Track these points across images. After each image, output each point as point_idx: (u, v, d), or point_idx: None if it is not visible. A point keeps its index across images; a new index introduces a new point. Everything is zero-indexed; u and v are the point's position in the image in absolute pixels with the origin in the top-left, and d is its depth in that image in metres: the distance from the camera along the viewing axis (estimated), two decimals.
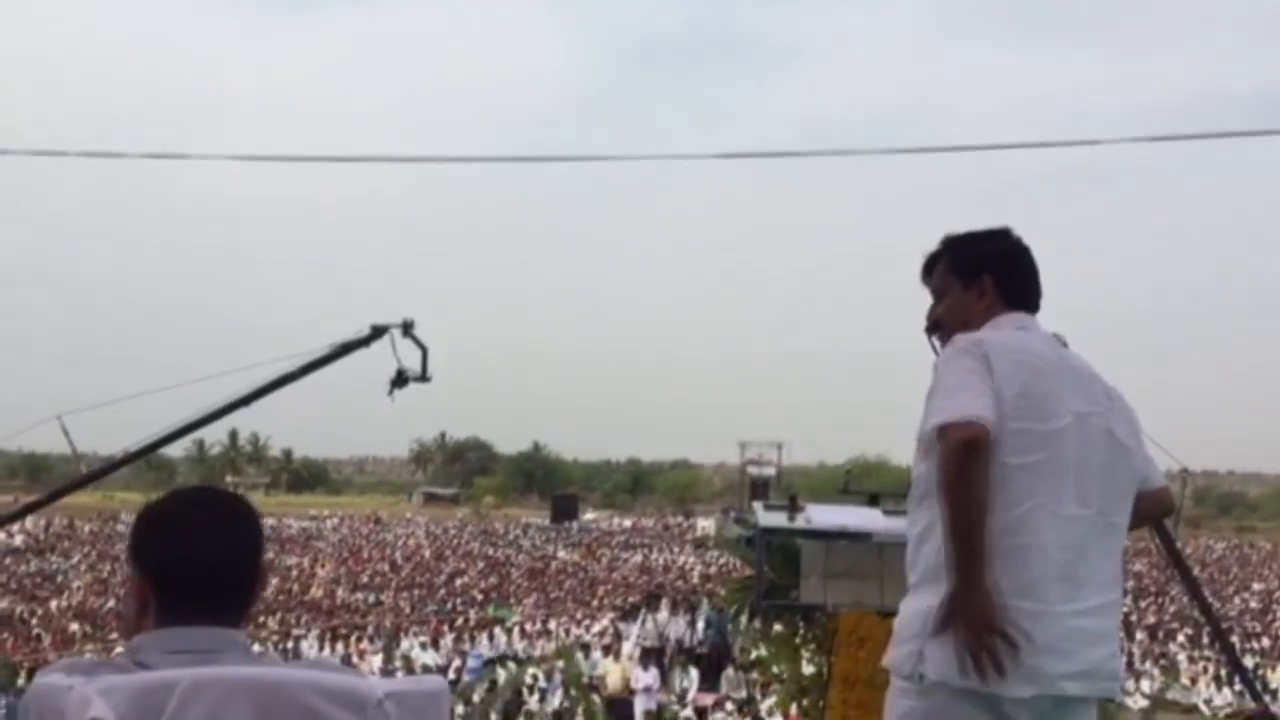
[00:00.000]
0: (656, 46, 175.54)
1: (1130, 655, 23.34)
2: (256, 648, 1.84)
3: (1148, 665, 22.17)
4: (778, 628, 4.01)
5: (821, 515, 3.35)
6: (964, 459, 2.37)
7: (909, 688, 2.48)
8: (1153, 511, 2.87)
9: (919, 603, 2.51)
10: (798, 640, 3.93)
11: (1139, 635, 26.10)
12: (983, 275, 2.72)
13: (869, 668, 2.61)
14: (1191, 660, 22.58)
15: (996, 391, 2.45)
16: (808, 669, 4.04)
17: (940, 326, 2.78)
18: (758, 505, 3.87)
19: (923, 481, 2.55)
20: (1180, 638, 25.60)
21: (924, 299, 2.87)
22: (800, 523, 3.37)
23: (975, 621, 2.36)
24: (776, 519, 3.43)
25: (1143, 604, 32.28)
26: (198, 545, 1.73)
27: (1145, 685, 20.33)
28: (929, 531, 2.50)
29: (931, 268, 2.83)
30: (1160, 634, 26.27)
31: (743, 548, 4.11)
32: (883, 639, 2.68)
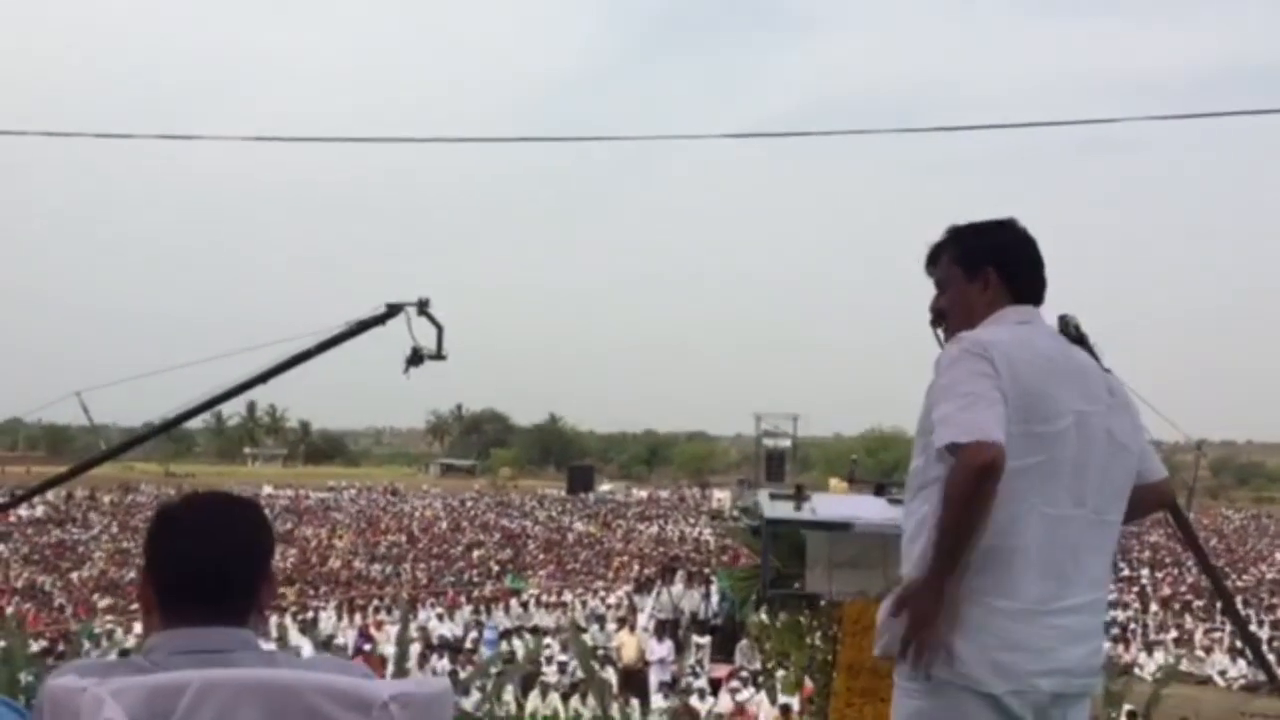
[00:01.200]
0: (675, 16, 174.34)
1: (1145, 626, 23.35)
2: (267, 645, 1.88)
3: (1162, 636, 22.19)
4: (784, 616, 4.06)
5: (826, 506, 3.38)
6: (979, 484, 2.37)
7: (914, 688, 2.51)
8: (1151, 504, 2.87)
9: None
10: (801, 628, 3.97)
11: (1153, 607, 26.11)
12: (987, 267, 2.71)
13: (873, 656, 2.64)
14: (1206, 632, 22.58)
15: (1002, 396, 2.46)
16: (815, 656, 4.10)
17: (944, 318, 2.78)
18: (763, 495, 3.89)
19: (919, 475, 2.57)
20: (1195, 609, 25.59)
21: (930, 284, 2.87)
22: (806, 513, 3.40)
23: (920, 618, 2.43)
24: (782, 510, 3.46)
25: (1159, 575, 32.26)
26: (193, 547, 1.79)
27: (1159, 656, 20.35)
28: (922, 527, 2.52)
29: (936, 258, 2.81)
30: (1175, 605, 26.27)
31: (750, 537, 4.15)
32: None
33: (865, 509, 3.28)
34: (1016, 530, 2.46)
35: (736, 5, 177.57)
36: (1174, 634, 22.54)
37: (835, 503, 3.47)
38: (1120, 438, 2.63)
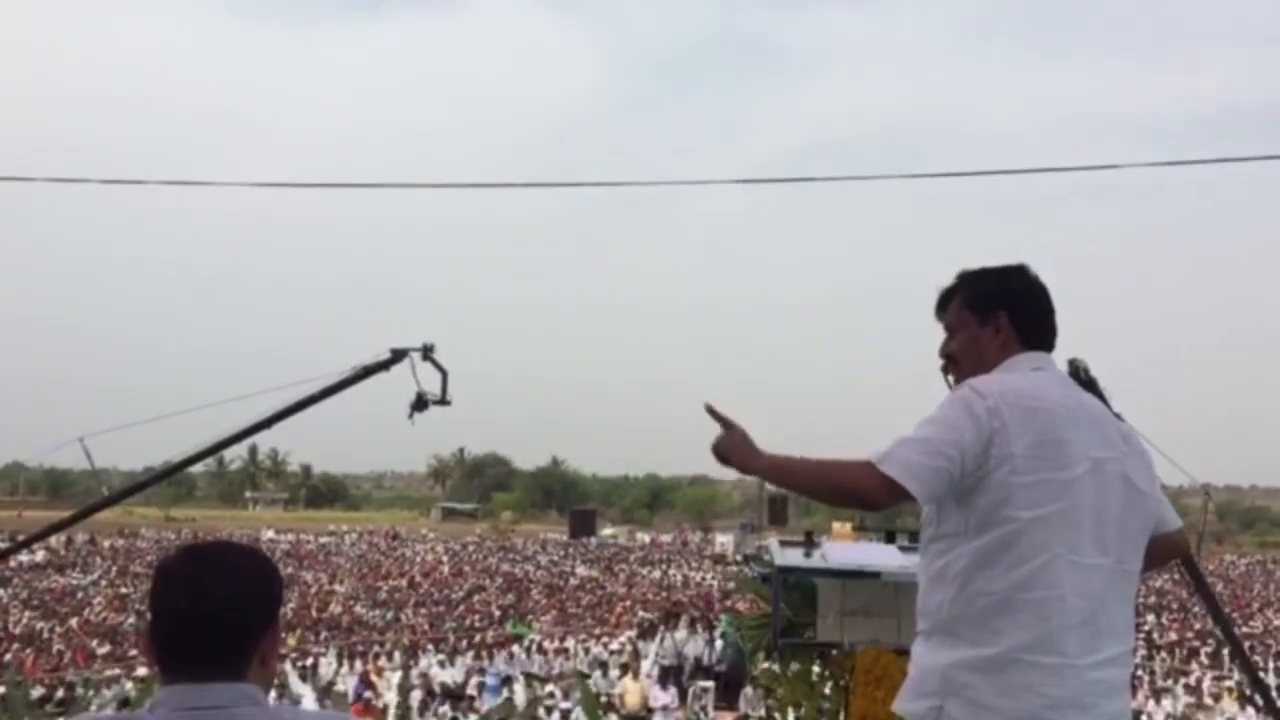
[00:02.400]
0: (676, 57, 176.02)
1: (1152, 674, 23.13)
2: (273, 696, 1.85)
3: (1169, 684, 21.96)
4: (795, 666, 3.99)
5: (837, 553, 3.33)
6: (847, 497, 2.49)
7: None
8: (1167, 554, 2.83)
9: (934, 656, 2.50)
10: (814, 678, 3.90)
11: (1160, 654, 25.88)
12: (998, 313, 2.68)
13: (886, 707, 2.58)
14: (1214, 679, 22.35)
15: (997, 453, 2.42)
16: (825, 706, 4.02)
17: (955, 363, 2.74)
18: (773, 543, 3.85)
19: (932, 524, 2.54)
20: (1202, 655, 25.36)
21: (939, 328, 2.85)
22: (816, 560, 3.36)
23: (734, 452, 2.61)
24: (793, 557, 3.42)
25: (1164, 620, 32.00)
26: (189, 601, 1.77)
27: (1167, 704, 20.13)
28: (940, 578, 2.49)
29: (946, 303, 2.78)
30: (1182, 651, 26.03)
31: (759, 585, 4.09)
32: (899, 678, 2.66)
33: (877, 556, 3.24)
34: (1046, 581, 2.42)
35: (738, 47, 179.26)
36: (1182, 681, 22.31)
37: (846, 550, 3.43)
38: (1138, 484, 2.59)
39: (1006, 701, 2.38)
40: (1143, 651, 25.51)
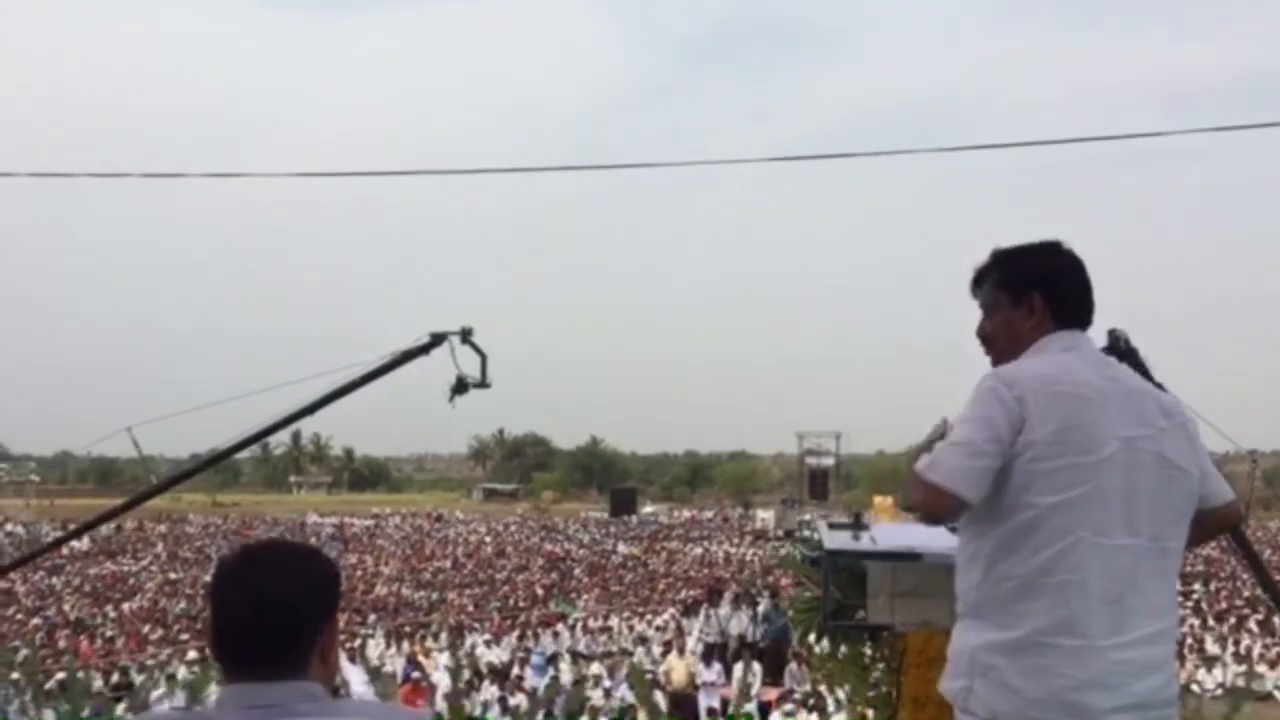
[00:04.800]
0: (706, 36, 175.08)
1: (1202, 642, 22.94)
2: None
3: (1219, 652, 21.79)
4: (844, 649, 4.00)
5: (887, 535, 3.33)
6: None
7: None
8: (1218, 528, 2.81)
9: (964, 638, 2.56)
10: (866, 660, 3.92)
11: (1210, 621, 25.66)
12: (1032, 292, 2.67)
13: (939, 689, 2.60)
14: (1265, 647, 22.15)
15: (1022, 439, 2.45)
16: (876, 687, 4.03)
17: (990, 343, 2.75)
18: (822, 524, 3.85)
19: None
20: (1252, 623, 25.13)
21: (974, 305, 2.84)
22: (865, 542, 3.36)
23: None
24: (842, 540, 3.42)
25: (1212, 588, 31.71)
26: (246, 601, 1.81)
27: (1218, 673, 19.98)
28: (972, 561, 2.53)
29: (980, 281, 2.78)
30: (1231, 620, 25.80)
31: (808, 567, 4.10)
32: None
33: (926, 537, 3.23)
34: (1068, 565, 2.43)
35: (768, 25, 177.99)
36: (1231, 649, 22.13)
37: (895, 531, 3.42)
38: (1175, 460, 2.56)
39: (1029, 683, 2.41)
40: (1193, 620, 25.30)
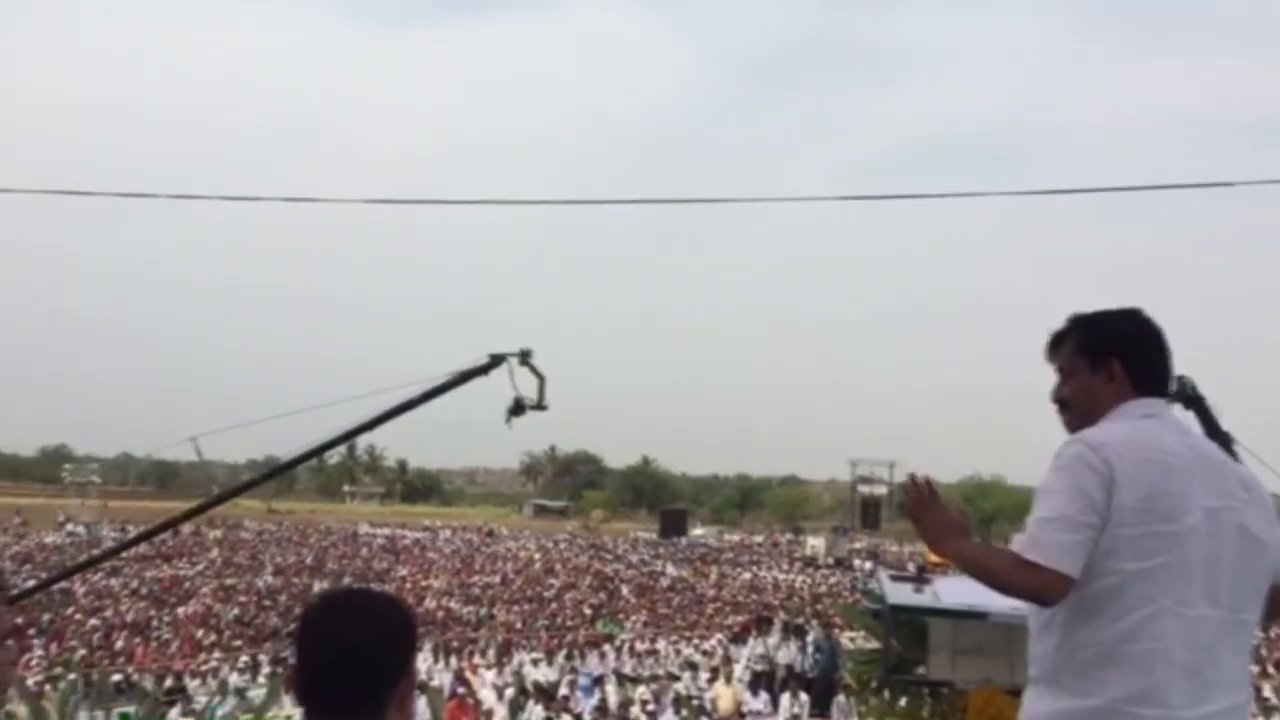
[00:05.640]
0: (771, 59, 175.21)
1: (1260, 690, 22.40)
2: None
3: (1278, 700, 21.25)
4: (904, 701, 3.97)
5: (949, 590, 3.31)
6: (1024, 597, 2.48)
7: None
8: None
9: (1039, 705, 2.52)
10: (924, 715, 3.88)
11: (1270, 669, 25.05)
12: (1111, 358, 2.66)
13: None
14: None
15: (1113, 504, 2.42)
16: None
17: (1068, 408, 2.73)
18: (884, 576, 3.84)
19: None
20: None
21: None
22: (928, 597, 3.34)
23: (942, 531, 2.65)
24: (904, 594, 3.41)
25: (1273, 634, 30.97)
26: (329, 649, 1.90)
27: None
28: (1048, 625, 2.50)
29: (1057, 346, 2.77)
30: None
31: (869, 620, 4.08)
32: (1013, 718, 2.66)
33: (988, 595, 3.22)
34: (1151, 633, 2.41)
35: (832, 46, 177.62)
36: None
37: (958, 587, 3.40)
38: (1256, 533, 2.53)
39: None
40: (1251, 667, 24.68)
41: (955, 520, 2.65)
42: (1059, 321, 2.82)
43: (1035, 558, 2.38)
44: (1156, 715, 2.38)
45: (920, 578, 3.46)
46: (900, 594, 3.39)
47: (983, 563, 2.51)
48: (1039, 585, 2.40)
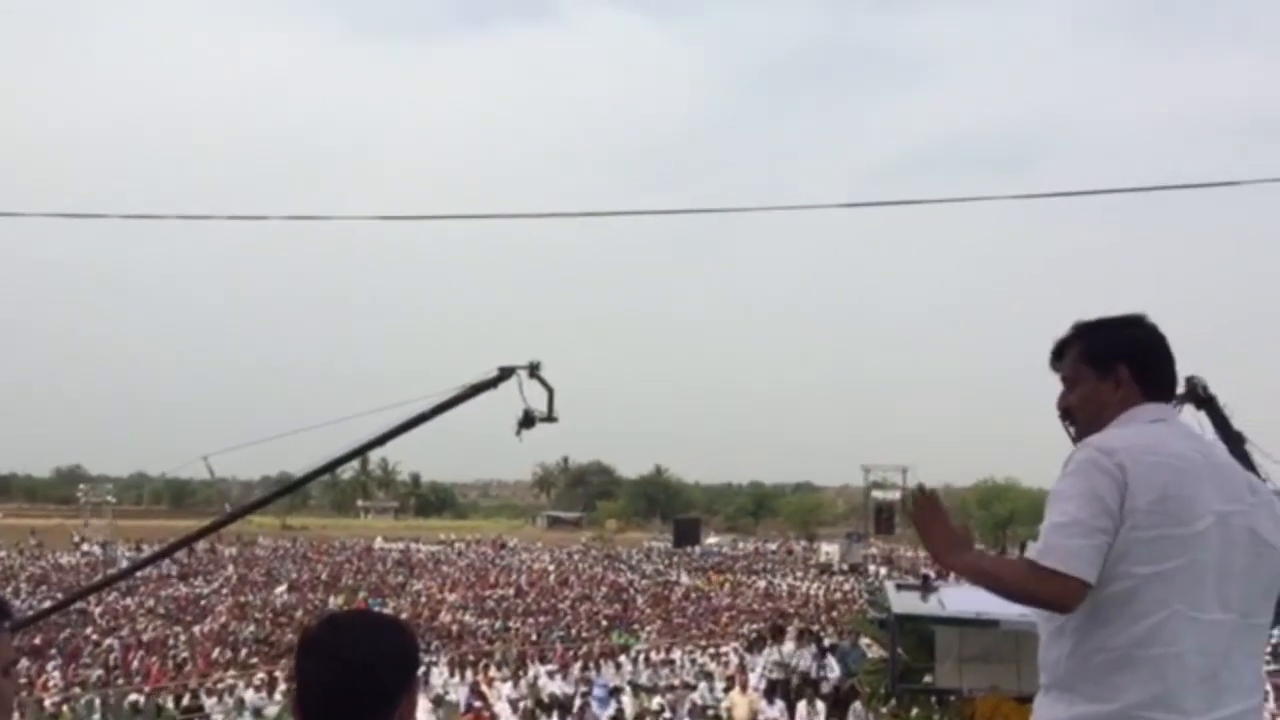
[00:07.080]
0: (783, 65, 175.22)
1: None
2: None
3: None
4: (915, 710, 3.96)
5: (954, 598, 3.31)
6: (1041, 604, 2.45)
7: None
8: None
9: (1052, 711, 2.51)
10: None
11: None
12: (1117, 365, 2.65)
13: None
14: None
15: (1126, 507, 2.40)
16: None
17: (1073, 416, 2.72)
18: (889, 585, 3.84)
19: None
20: None
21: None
22: (933, 605, 3.34)
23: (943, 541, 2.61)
24: (910, 602, 3.41)
25: None
26: (329, 671, 1.89)
27: None
28: (1060, 631, 2.48)
29: (1061, 354, 2.76)
30: None
31: (876, 629, 4.08)
32: None
33: (995, 601, 3.21)
34: (1164, 638, 2.40)
35: (845, 53, 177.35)
36: None
37: (964, 595, 3.40)
38: (1266, 537, 2.52)
39: None
40: (1269, 665, 24.57)
41: (960, 533, 2.64)
42: (1062, 329, 2.82)
43: (1051, 564, 2.36)
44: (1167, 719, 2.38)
45: (925, 585, 3.46)
46: (905, 602, 3.40)
47: (994, 573, 2.50)
48: (1056, 592, 2.37)
